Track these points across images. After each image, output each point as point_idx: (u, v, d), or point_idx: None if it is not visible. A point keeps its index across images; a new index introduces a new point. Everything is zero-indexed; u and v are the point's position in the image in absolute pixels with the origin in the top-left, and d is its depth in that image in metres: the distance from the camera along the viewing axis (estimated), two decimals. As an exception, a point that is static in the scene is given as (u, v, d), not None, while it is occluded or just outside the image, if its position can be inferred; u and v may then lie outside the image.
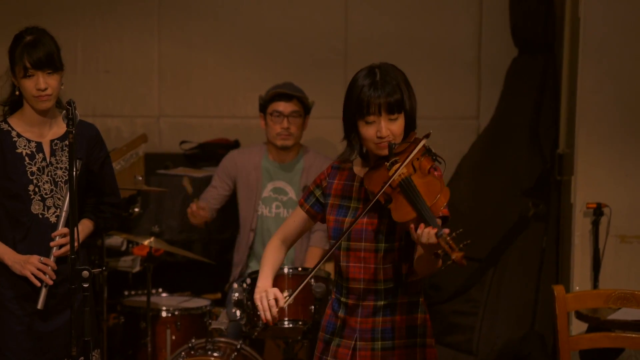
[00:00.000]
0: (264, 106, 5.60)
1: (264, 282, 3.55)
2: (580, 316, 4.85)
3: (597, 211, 5.50)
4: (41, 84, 3.95)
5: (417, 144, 3.45)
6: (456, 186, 6.24)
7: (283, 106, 5.53)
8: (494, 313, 6.00)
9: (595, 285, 5.49)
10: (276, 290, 3.47)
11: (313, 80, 6.29)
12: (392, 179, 3.36)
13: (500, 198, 6.16)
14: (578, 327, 5.25)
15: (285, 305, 3.48)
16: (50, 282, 3.98)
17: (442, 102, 6.55)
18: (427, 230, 3.19)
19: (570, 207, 5.69)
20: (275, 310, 3.44)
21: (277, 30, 6.71)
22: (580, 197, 5.59)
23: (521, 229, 6.06)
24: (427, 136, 3.45)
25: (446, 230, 3.16)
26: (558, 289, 3.90)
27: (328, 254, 3.52)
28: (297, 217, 3.68)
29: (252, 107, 6.45)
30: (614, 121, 5.56)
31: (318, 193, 3.62)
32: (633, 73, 5.53)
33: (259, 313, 3.48)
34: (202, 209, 5.47)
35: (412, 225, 3.25)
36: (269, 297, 3.45)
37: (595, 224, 5.50)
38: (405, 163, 3.38)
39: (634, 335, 3.96)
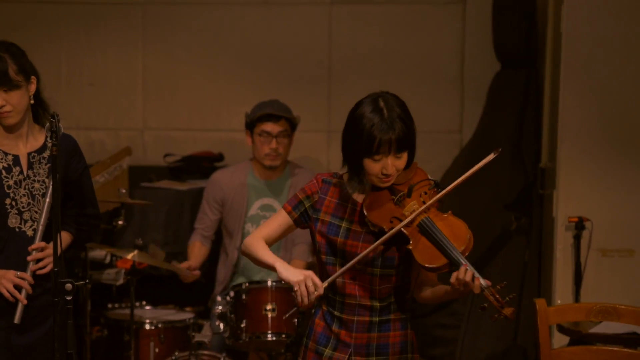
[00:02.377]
0: (250, 124, 5.58)
1: (286, 265, 3.51)
2: (562, 329, 4.86)
3: (579, 225, 5.52)
4: None
5: (425, 180, 3.48)
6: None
7: (271, 127, 5.51)
8: (476, 326, 6.01)
9: (576, 298, 5.51)
10: (313, 275, 3.42)
11: (297, 94, 6.32)
12: (411, 220, 3.35)
13: (482, 211, 6.17)
14: (560, 340, 5.27)
15: (323, 292, 3.43)
16: (25, 302, 3.95)
17: (425, 116, 6.56)
18: (471, 278, 3.22)
19: (552, 221, 5.71)
20: (314, 296, 3.40)
21: (262, 43, 6.72)
22: (562, 211, 5.61)
23: (503, 242, 6.08)
24: (438, 186, 3.48)
25: (488, 282, 3.20)
26: (540, 303, 3.92)
27: (345, 269, 3.49)
28: (282, 223, 3.64)
29: (237, 121, 6.47)
30: (596, 135, 5.59)
31: (307, 204, 3.60)
32: (615, 87, 5.56)
33: (295, 296, 3.42)
34: (194, 270, 5.52)
35: (456, 273, 3.26)
36: (307, 283, 3.40)
37: (577, 238, 5.53)
38: (422, 208, 3.38)
39: (615, 349, 3.98)
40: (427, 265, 3.32)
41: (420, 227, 3.36)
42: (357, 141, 3.40)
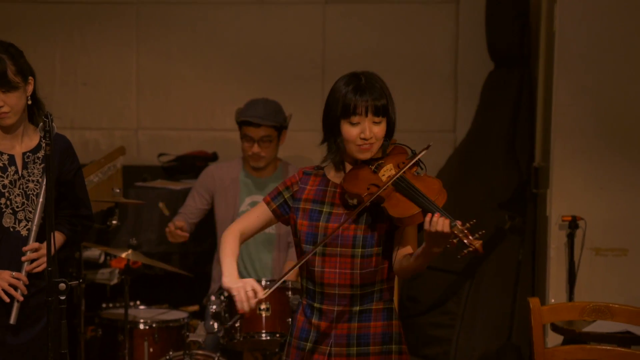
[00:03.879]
0: (238, 124, 5.61)
1: (233, 273, 3.48)
2: (555, 328, 4.87)
3: (573, 224, 5.53)
4: None
5: (402, 149, 3.51)
6: (433, 199, 6.27)
7: (253, 132, 5.52)
8: (470, 325, 6.02)
9: (570, 297, 5.52)
10: (253, 282, 3.41)
11: (291, 93, 6.32)
12: (394, 179, 3.37)
13: (476, 211, 6.17)
14: (554, 339, 5.27)
15: (263, 297, 3.40)
16: (21, 299, 3.95)
17: (419, 115, 6.58)
18: (441, 219, 3.22)
19: (545, 220, 5.72)
20: (253, 301, 3.37)
21: (256, 43, 6.73)
22: (556, 210, 5.62)
23: (497, 241, 6.09)
24: (427, 147, 3.48)
25: (459, 222, 3.22)
26: (533, 302, 3.92)
27: (307, 257, 3.50)
28: (261, 214, 3.64)
29: (230, 120, 6.45)
30: (590, 134, 5.60)
31: (287, 195, 3.61)
32: (608, 86, 5.57)
33: (235, 302, 3.40)
34: (181, 229, 5.48)
35: (427, 217, 3.26)
36: (246, 289, 3.38)
37: (571, 237, 5.53)
38: (406, 167, 3.41)
39: (608, 348, 3.99)
40: (401, 217, 3.34)
41: (395, 185, 3.39)
42: (335, 107, 3.48)
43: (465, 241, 3.20)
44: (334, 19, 6.73)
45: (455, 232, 3.21)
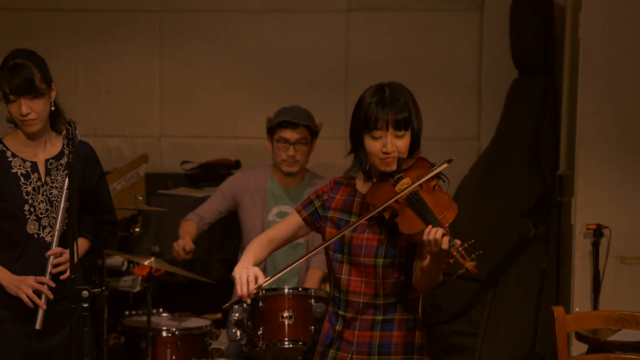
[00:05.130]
0: (270, 130, 5.59)
1: (246, 263, 3.53)
2: (580, 337, 4.84)
3: (597, 232, 5.50)
4: (23, 110, 3.94)
5: (425, 164, 3.51)
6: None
7: (289, 134, 5.52)
8: (494, 334, 6.00)
9: (595, 306, 5.49)
10: (257, 270, 3.46)
11: (314, 101, 6.31)
12: (400, 194, 3.39)
13: (500, 219, 6.16)
14: (578, 348, 5.24)
15: (265, 285, 3.47)
16: (44, 307, 3.96)
17: (443, 123, 6.56)
18: (439, 235, 3.22)
19: (570, 228, 5.69)
20: (252, 286, 3.42)
21: (278, 51, 6.73)
22: (581, 219, 5.59)
23: (521, 249, 6.07)
24: (449, 161, 3.48)
25: (458, 241, 3.21)
26: (558, 310, 3.91)
27: (315, 250, 3.52)
28: (291, 222, 3.69)
29: (253, 128, 6.47)
30: (614, 142, 5.57)
31: (318, 204, 3.65)
32: (633, 94, 5.55)
33: (235, 284, 3.46)
34: (188, 253, 5.47)
35: (424, 233, 3.27)
36: (248, 273, 3.43)
37: (595, 245, 5.50)
38: (416, 183, 3.42)
39: (634, 357, 3.96)
40: (407, 233, 3.37)
41: (407, 200, 3.41)
42: (357, 119, 3.51)
43: (461, 262, 3.20)
44: (357, 26, 6.73)
45: (453, 251, 3.21)
